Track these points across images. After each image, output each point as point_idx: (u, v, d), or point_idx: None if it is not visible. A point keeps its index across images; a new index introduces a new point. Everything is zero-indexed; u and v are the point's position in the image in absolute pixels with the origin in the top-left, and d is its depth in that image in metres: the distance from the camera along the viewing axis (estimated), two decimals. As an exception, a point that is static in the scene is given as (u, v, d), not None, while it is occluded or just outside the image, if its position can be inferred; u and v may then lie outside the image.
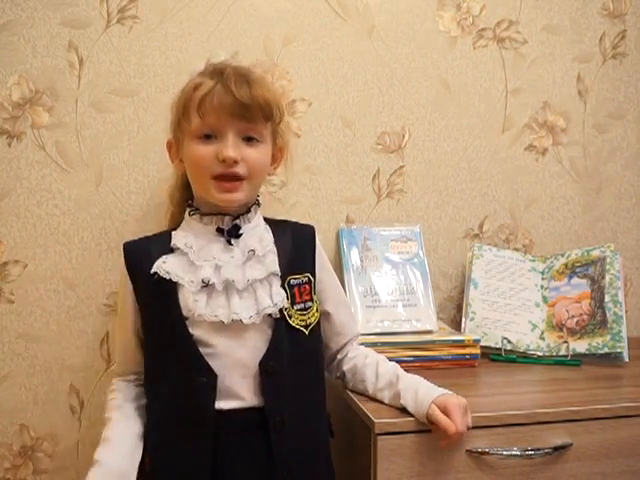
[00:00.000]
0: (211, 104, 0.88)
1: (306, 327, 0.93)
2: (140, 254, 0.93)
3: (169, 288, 0.89)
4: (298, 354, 0.92)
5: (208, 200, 0.92)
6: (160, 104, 1.21)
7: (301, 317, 0.93)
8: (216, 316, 0.87)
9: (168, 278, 0.88)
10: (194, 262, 0.89)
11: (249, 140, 0.91)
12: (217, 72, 0.91)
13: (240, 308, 0.88)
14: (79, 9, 1.18)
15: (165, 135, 1.21)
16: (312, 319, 0.95)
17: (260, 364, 0.88)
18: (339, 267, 1.28)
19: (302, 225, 1.03)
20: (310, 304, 0.95)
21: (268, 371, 0.88)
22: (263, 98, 0.90)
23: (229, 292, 0.89)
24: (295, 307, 0.93)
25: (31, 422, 1.19)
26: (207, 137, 0.90)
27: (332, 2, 1.29)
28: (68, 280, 1.20)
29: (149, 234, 1.00)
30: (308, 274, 0.96)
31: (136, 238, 0.99)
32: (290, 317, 0.92)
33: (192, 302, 0.87)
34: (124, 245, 0.96)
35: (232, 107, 0.87)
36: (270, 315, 0.89)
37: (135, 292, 0.93)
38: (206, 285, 0.88)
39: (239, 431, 0.87)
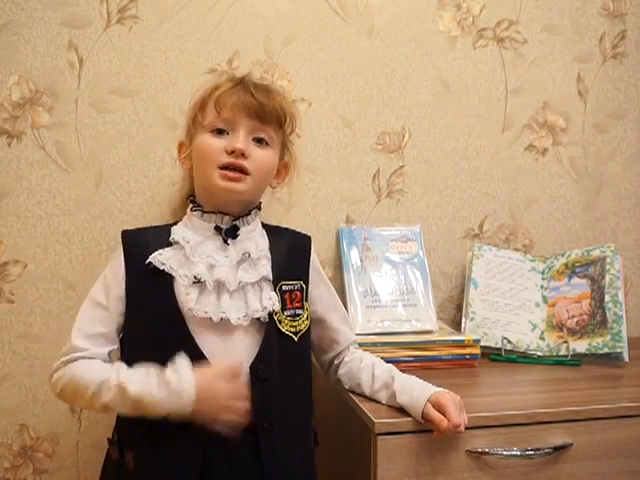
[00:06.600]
0: (229, 99, 0.92)
1: (295, 334, 0.94)
2: (138, 243, 0.93)
3: (165, 280, 0.89)
4: (287, 360, 0.92)
5: (212, 191, 0.93)
6: (160, 104, 1.21)
7: (291, 323, 0.93)
8: (205, 312, 0.87)
9: (162, 269, 0.89)
10: (189, 257, 0.90)
11: (259, 142, 0.93)
12: (238, 79, 0.97)
13: (229, 308, 0.88)
14: (79, 9, 1.18)
15: (165, 135, 1.22)
16: (302, 326, 0.95)
17: (251, 368, 0.88)
18: (339, 267, 1.28)
19: (299, 234, 1.04)
20: (301, 312, 0.95)
21: (259, 376, 0.88)
22: (279, 103, 0.95)
23: (220, 292, 0.89)
24: (285, 313, 0.93)
25: (31, 422, 1.19)
26: (219, 132, 0.92)
27: (332, 2, 1.29)
28: (68, 280, 1.20)
29: (148, 226, 1.00)
30: (300, 282, 0.97)
31: (135, 228, 0.99)
32: (280, 322, 0.92)
33: (184, 295, 0.88)
34: (123, 233, 0.96)
35: (248, 105, 0.92)
36: (259, 319, 0.90)
37: (127, 280, 0.92)
38: (197, 281, 0.88)
39: (226, 435, 0.85)
